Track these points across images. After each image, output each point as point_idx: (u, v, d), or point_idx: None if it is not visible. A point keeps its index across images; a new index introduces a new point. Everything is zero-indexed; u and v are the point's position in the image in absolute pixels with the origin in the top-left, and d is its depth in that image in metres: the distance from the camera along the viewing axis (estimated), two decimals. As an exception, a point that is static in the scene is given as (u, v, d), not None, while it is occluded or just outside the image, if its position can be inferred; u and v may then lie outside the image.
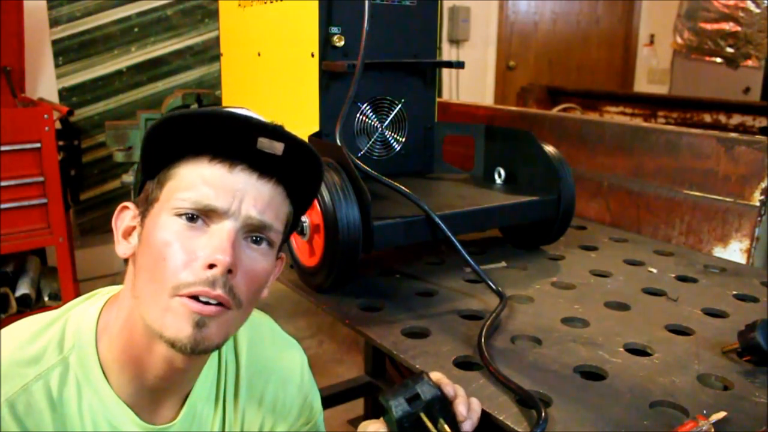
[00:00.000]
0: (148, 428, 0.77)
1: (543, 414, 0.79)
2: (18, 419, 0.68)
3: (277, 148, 0.69)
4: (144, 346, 0.73)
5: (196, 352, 0.69)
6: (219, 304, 0.68)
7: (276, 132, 0.69)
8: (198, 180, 0.69)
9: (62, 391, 0.72)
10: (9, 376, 0.70)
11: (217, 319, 0.69)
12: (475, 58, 4.49)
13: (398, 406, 0.69)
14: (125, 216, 0.76)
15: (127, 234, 0.75)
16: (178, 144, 0.70)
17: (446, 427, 0.70)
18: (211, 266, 0.67)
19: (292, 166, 0.72)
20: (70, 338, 0.75)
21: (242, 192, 0.70)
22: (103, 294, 0.81)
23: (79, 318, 0.77)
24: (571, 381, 0.91)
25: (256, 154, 0.69)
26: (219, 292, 0.67)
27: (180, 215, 0.69)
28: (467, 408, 0.74)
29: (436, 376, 0.78)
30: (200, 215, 0.69)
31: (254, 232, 0.72)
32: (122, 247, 0.75)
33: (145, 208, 0.73)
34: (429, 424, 0.69)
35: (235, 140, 0.68)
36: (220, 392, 0.86)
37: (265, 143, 0.68)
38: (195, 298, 0.67)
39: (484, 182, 1.54)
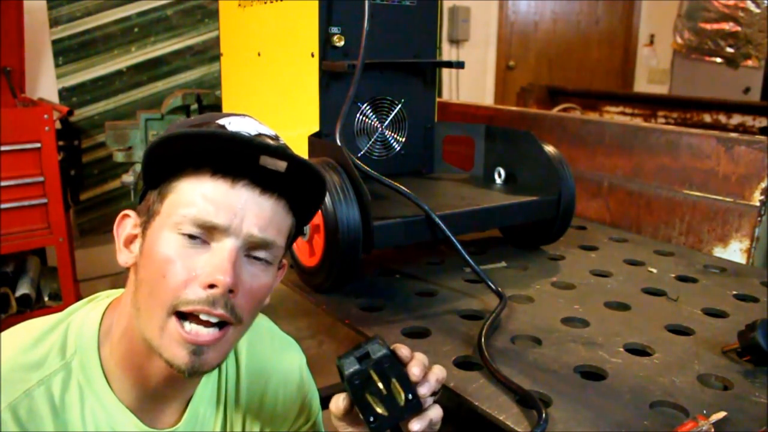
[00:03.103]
0: None
1: (543, 414, 0.79)
2: (20, 424, 0.68)
3: (280, 165, 0.68)
4: (144, 355, 0.73)
5: (194, 375, 0.70)
6: (219, 323, 0.68)
7: (279, 152, 0.68)
8: (199, 196, 0.68)
9: (64, 396, 0.72)
10: (11, 381, 0.70)
11: (215, 344, 0.69)
12: (475, 58, 4.49)
13: (348, 365, 0.69)
14: (126, 224, 0.76)
15: (129, 242, 0.75)
16: (179, 158, 0.70)
17: (398, 385, 0.70)
18: (212, 286, 0.67)
19: (294, 181, 0.71)
20: (72, 343, 0.75)
21: (243, 209, 0.69)
22: (103, 297, 0.81)
23: (80, 323, 0.76)
24: (571, 381, 0.91)
25: (259, 170, 0.68)
26: (220, 311, 0.67)
27: (181, 233, 0.68)
28: (423, 371, 0.71)
29: (395, 345, 0.75)
30: (201, 234, 0.68)
31: (256, 249, 0.71)
32: (124, 256, 0.75)
33: (146, 219, 0.72)
34: (377, 380, 0.69)
35: (238, 157, 0.68)
36: (222, 394, 0.86)
37: (268, 160, 0.67)
38: (193, 317, 0.67)
39: (484, 182, 1.54)
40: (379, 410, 0.69)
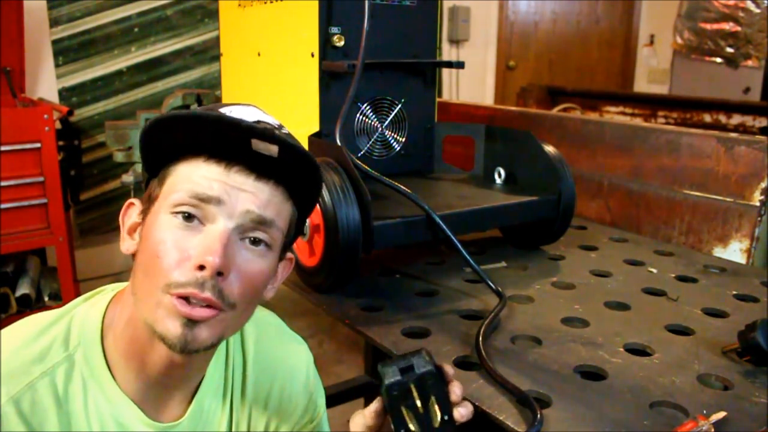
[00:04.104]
0: (155, 426, 0.77)
1: (538, 415, 0.79)
2: (23, 417, 0.68)
3: (272, 149, 0.67)
4: (146, 342, 0.72)
5: (186, 351, 0.68)
6: (208, 306, 0.68)
7: (266, 135, 0.66)
8: (195, 175, 0.69)
9: (68, 388, 0.72)
10: (14, 373, 0.70)
11: (208, 321, 0.68)
12: (475, 58, 4.49)
13: (390, 374, 0.69)
14: (131, 213, 0.76)
15: (133, 231, 0.75)
16: (174, 144, 0.70)
17: (436, 406, 0.69)
18: (202, 267, 0.66)
19: (289, 168, 0.71)
20: (75, 335, 0.74)
21: (239, 189, 0.69)
22: (108, 291, 0.81)
23: (84, 315, 0.76)
24: (571, 381, 0.91)
25: (253, 156, 0.68)
26: (207, 294, 0.66)
27: (176, 213, 0.68)
28: (462, 394, 0.71)
29: (442, 363, 0.75)
30: (196, 214, 0.68)
31: (254, 231, 0.70)
32: (126, 244, 0.75)
33: (147, 205, 0.73)
34: (416, 396, 0.68)
35: (230, 142, 0.68)
36: (228, 389, 0.85)
37: (260, 145, 0.67)
38: (186, 299, 0.67)
39: (484, 182, 1.54)
40: (412, 427, 0.68)
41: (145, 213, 0.73)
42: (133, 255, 0.75)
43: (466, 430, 0.75)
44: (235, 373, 0.86)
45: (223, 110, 0.72)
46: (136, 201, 0.77)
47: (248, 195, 0.69)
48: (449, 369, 0.72)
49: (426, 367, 0.69)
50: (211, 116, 0.68)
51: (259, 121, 0.71)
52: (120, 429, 0.75)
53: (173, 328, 0.67)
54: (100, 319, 0.76)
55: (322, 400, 0.97)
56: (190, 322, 0.67)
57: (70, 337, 0.74)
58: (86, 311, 0.77)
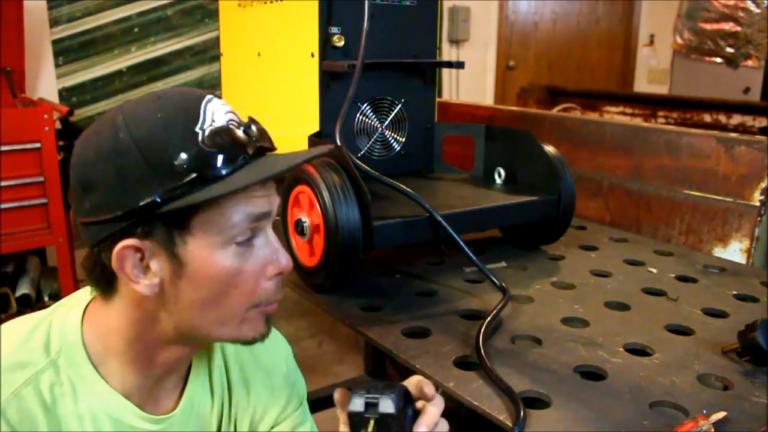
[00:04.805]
0: (151, 419, 0.77)
1: (522, 413, 0.79)
2: (10, 426, 0.68)
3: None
4: (158, 345, 0.74)
5: (264, 339, 0.77)
6: None
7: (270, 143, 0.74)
8: (247, 198, 0.70)
9: (54, 393, 0.72)
10: None
11: None
12: (475, 58, 4.49)
13: (354, 404, 0.69)
14: (128, 255, 0.68)
15: (144, 270, 0.69)
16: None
17: None
18: (279, 273, 0.74)
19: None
20: (55, 340, 0.74)
21: (272, 195, 0.74)
22: (85, 292, 0.79)
23: (63, 318, 0.76)
24: (571, 381, 0.91)
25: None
26: (281, 292, 0.76)
27: (236, 243, 0.70)
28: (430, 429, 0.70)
29: (416, 384, 0.73)
30: (253, 234, 0.72)
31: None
32: (147, 285, 0.69)
33: (168, 243, 0.68)
34: (373, 430, 0.67)
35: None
36: (213, 384, 0.87)
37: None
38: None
39: (484, 182, 1.54)
40: None
41: (170, 252, 0.68)
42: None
43: (466, 430, 0.75)
44: (217, 369, 0.88)
45: (198, 127, 0.67)
46: (126, 242, 0.67)
47: (274, 197, 0.75)
48: (423, 400, 0.71)
49: (388, 410, 0.68)
50: (253, 183, 0.69)
51: (249, 121, 0.73)
52: (115, 425, 0.75)
53: (262, 329, 0.76)
54: (79, 321, 0.75)
55: (303, 388, 0.99)
56: (270, 317, 0.77)
57: (50, 342, 0.74)
58: (66, 314, 0.76)
